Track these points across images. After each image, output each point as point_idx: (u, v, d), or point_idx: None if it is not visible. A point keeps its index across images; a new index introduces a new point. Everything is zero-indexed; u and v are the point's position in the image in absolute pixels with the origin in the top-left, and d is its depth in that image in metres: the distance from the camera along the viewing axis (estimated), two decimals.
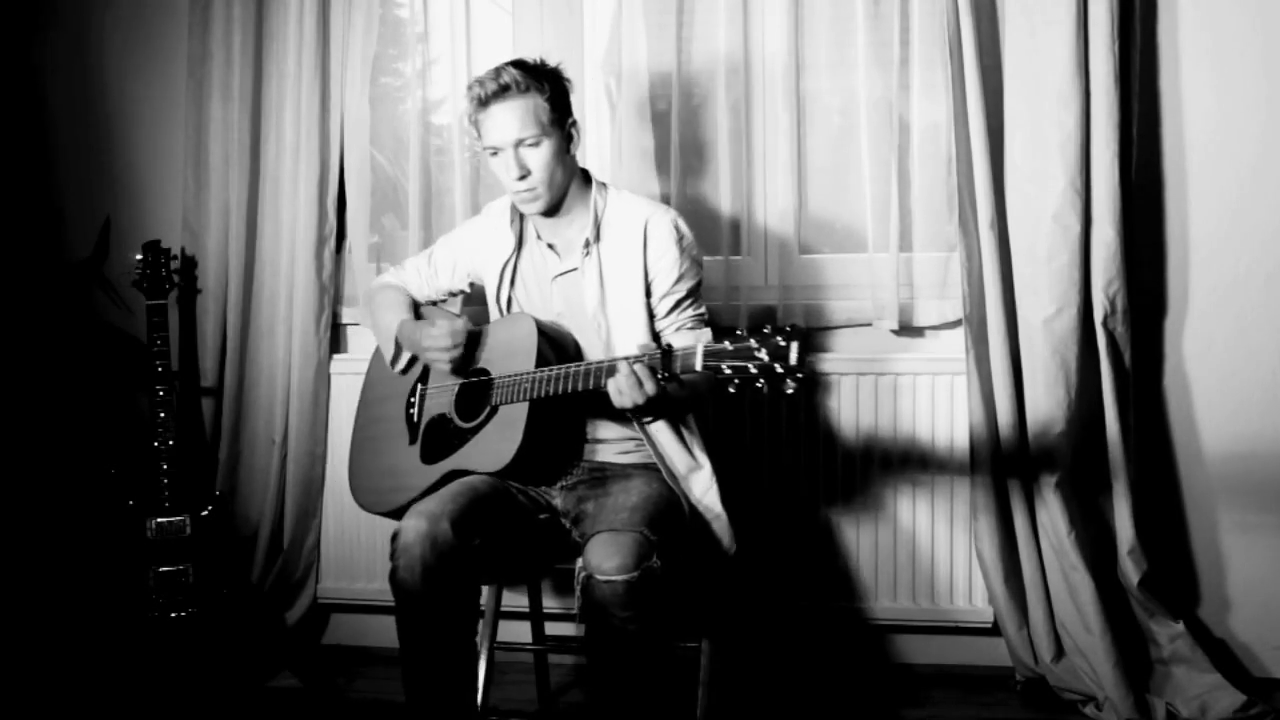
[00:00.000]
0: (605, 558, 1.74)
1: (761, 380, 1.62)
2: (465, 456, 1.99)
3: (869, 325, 2.48)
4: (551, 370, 1.88)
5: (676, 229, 2.01)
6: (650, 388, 1.76)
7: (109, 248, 2.74)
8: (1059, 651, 2.35)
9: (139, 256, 2.52)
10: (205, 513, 2.49)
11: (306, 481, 2.62)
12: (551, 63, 2.00)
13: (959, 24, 2.25)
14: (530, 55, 1.99)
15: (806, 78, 2.53)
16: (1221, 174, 2.35)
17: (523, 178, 1.95)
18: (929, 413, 2.42)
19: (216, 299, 2.63)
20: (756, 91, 2.49)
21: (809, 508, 2.49)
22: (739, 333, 1.66)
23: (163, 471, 2.47)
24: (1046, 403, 2.28)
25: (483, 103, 1.95)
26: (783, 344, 1.60)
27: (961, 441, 2.41)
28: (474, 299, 2.33)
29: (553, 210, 2.03)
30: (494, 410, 1.98)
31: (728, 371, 1.64)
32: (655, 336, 2.01)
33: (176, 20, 2.65)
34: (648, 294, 2.00)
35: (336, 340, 2.66)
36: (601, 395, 1.81)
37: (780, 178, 2.48)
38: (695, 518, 2.01)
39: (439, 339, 2.02)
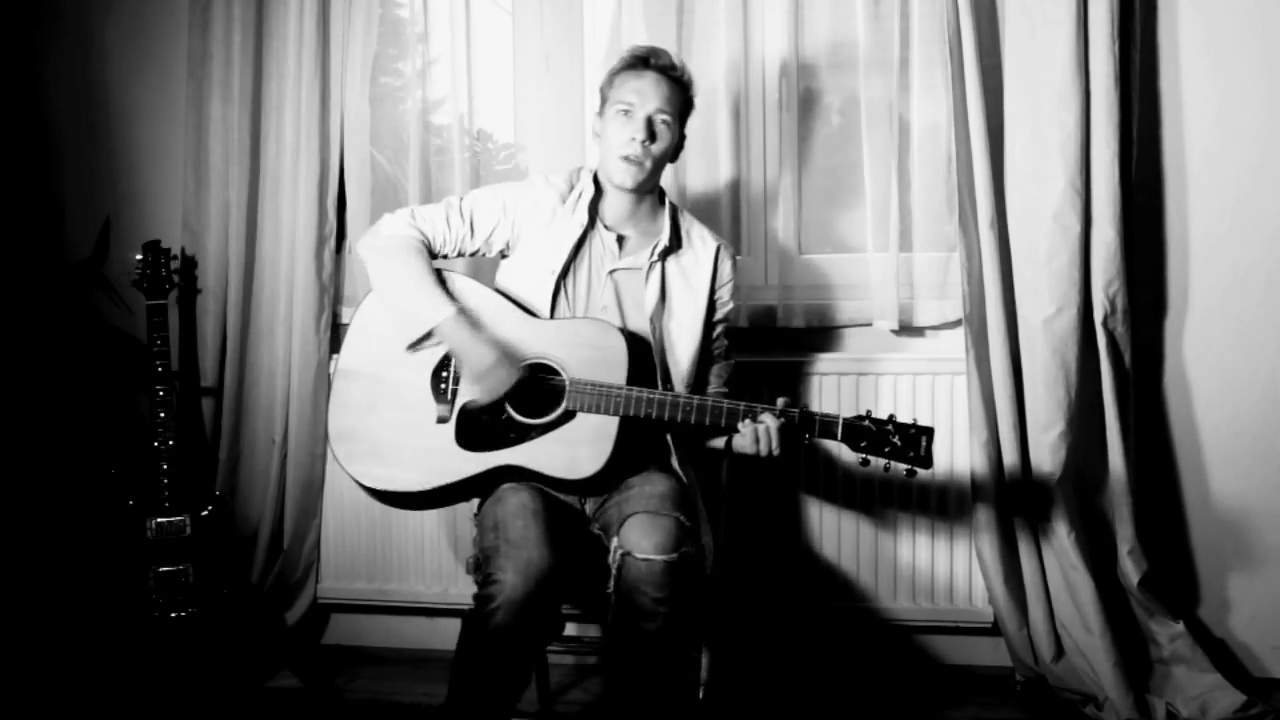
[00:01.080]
0: (644, 536, 1.77)
1: (888, 462, 1.88)
2: (527, 455, 1.92)
3: (869, 325, 2.48)
4: (659, 394, 1.90)
5: (736, 265, 2.15)
6: (787, 444, 1.87)
7: (109, 248, 2.74)
8: (1059, 651, 2.35)
9: (139, 256, 2.51)
10: (205, 513, 2.49)
11: (306, 481, 2.62)
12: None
13: (959, 24, 2.25)
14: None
15: (806, 77, 2.53)
16: (1222, 174, 2.35)
17: (645, 143, 1.97)
18: (929, 413, 2.42)
19: (216, 299, 2.63)
20: (756, 92, 2.49)
21: (808, 508, 2.49)
22: (870, 412, 1.89)
23: (163, 471, 2.47)
24: (1046, 403, 2.28)
25: (644, 64, 2.01)
26: (914, 434, 1.87)
27: (961, 442, 2.41)
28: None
29: (638, 191, 2.04)
30: (569, 415, 1.93)
31: (862, 445, 1.88)
32: (702, 356, 2.08)
33: (176, 20, 2.65)
34: (708, 313, 2.09)
35: (336, 340, 2.66)
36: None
37: (780, 178, 2.48)
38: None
39: (493, 388, 1.92)
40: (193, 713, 2.38)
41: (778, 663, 2.55)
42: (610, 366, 1.93)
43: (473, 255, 2.12)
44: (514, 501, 1.88)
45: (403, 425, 1.99)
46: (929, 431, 1.88)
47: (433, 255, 2.07)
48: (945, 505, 2.44)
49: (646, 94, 1.98)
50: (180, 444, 2.50)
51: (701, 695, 2.08)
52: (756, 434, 1.86)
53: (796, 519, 2.49)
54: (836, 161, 2.57)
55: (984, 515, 2.35)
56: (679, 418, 1.89)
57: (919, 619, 2.47)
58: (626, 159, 1.98)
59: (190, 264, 2.65)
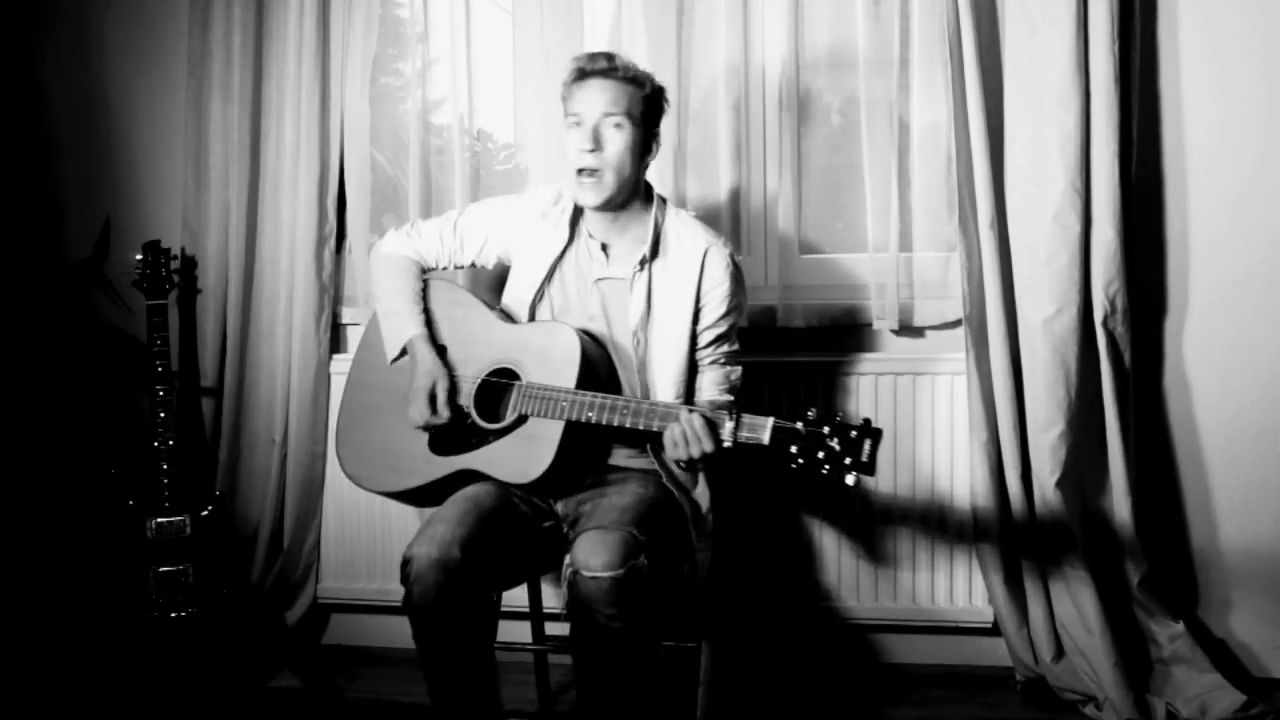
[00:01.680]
0: (592, 554, 1.75)
1: (827, 467, 1.70)
2: (483, 460, 1.96)
3: (869, 325, 2.48)
4: (599, 398, 1.86)
5: (734, 265, 2.02)
6: (709, 446, 1.78)
7: (109, 248, 2.74)
8: (1059, 651, 2.35)
9: (139, 256, 2.52)
10: (205, 513, 2.49)
11: (306, 481, 2.62)
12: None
13: (959, 24, 2.25)
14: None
15: (806, 78, 2.53)
16: (1222, 174, 2.35)
17: (592, 151, 1.91)
18: (929, 413, 2.42)
19: (216, 299, 2.63)
20: (756, 91, 2.49)
21: (808, 508, 2.49)
22: (810, 415, 1.72)
23: (163, 471, 2.47)
24: (1046, 403, 2.27)
25: (584, 75, 1.95)
26: (855, 437, 1.69)
27: (961, 442, 2.40)
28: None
29: (609, 207, 1.99)
30: (522, 419, 1.94)
31: (792, 450, 1.71)
32: (692, 365, 2.01)
33: (176, 20, 2.65)
34: (694, 321, 2.00)
35: (336, 340, 2.66)
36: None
37: (780, 177, 2.48)
38: (698, 525, 2.02)
39: (422, 412, 1.96)
40: (193, 713, 2.38)
41: (776, 663, 2.55)
42: (562, 369, 1.92)
43: (472, 267, 2.18)
44: (458, 493, 1.94)
45: (392, 431, 2.06)
46: (875, 434, 1.70)
47: (429, 269, 2.15)
48: (945, 506, 2.44)
49: (589, 100, 1.93)
50: (180, 444, 2.50)
51: (700, 694, 2.08)
52: (674, 438, 1.80)
53: (795, 519, 2.49)
54: (836, 161, 2.57)
55: (984, 515, 2.35)
56: (615, 421, 1.85)
57: (919, 619, 2.47)
58: (580, 171, 1.94)
59: (190, 264, 2.65)
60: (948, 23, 2.27)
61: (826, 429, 1.72)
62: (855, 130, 2.47)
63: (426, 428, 1.99)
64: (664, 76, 2.44)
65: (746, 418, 1.77)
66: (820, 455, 1.71)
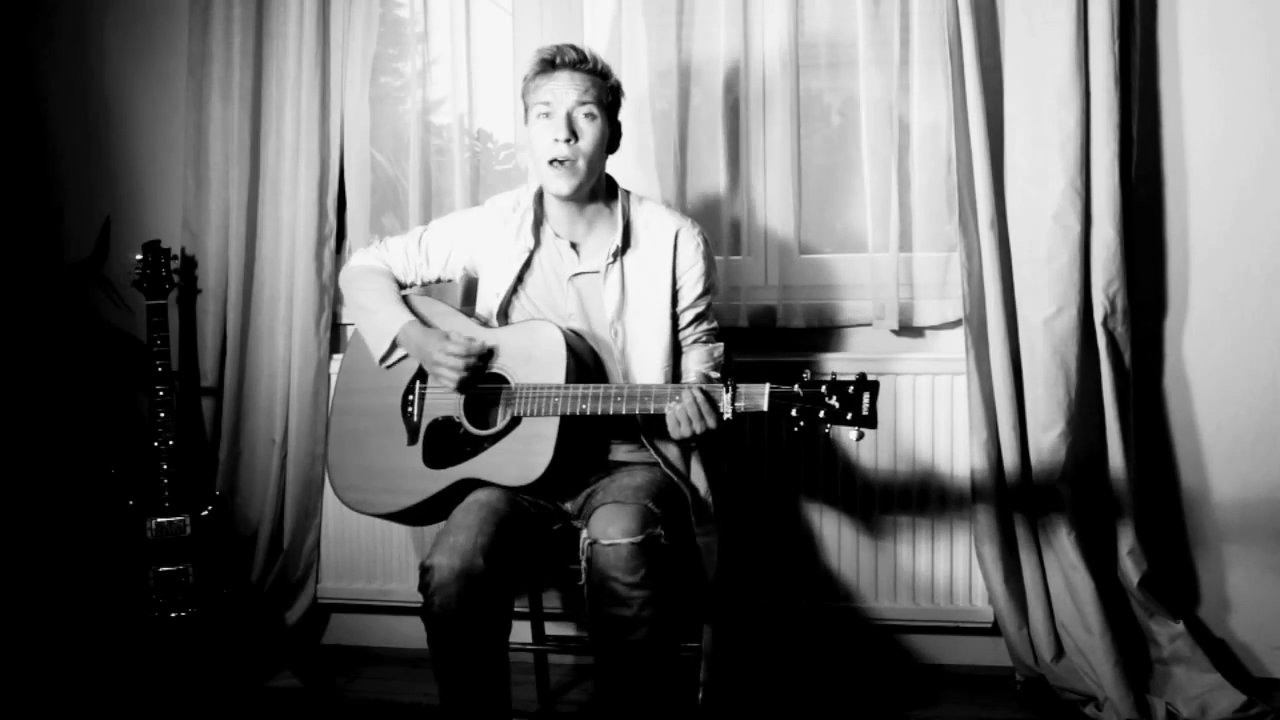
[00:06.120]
0: (609, 523, 1.76)
1: (829, 425, 1.70)
2: (482, 466, 1.95)
3: (869, 325, 2.48)
4: (591, 389, 1.86)
5: (705, 244, 2.05)
6: (711, 421, 1.79)
7: (109, 248, 2.74)
8: (1059, 651, 2.35)
9: (139, 256, 2.52)
10: (205, 513, 2.50)
11: (306, 481, 2.62)
12: None
13: (959, 24, 2.25)
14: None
15: (806, 78, 2.53)
16: (1223, 174, 2.34)
17: (569, 141, 1.92)
18: (929, 413, 2.42)
19: (216, 299, 2.63)
20: (756, 91, 2.49)
21: (809, 507, 2.49)
22: (805, 377, 1.73)
23: (163, 471, 2.47)
24: (1046, 403, 2.27)
25: (554, 66, 1.96)
26: (853, 392, 1.70)
27: (961, 442, 2.41)
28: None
29: (576, 197, 1.99)
30: (516, 421, 1.94)
31: (793, 413, 1.72)
32: (675, 348, 2.03)
33: (176, 20, 2.65)
34: (673, 303, 2.01)
35: (336, 340, 2.66)
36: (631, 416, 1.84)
37: (780, 178, 2.48)
38: (699, 511, 2.02)
39: (453, 357, 1.94)
40: (193, 713, 2.38)
41: (776, 662, 2.55)
42: (550, 366, 1.92)
43: (437, 282, 2.20)
44: (470, 499, 1.92)
45: (384, 452, 2.06)
46: (872, 386, 1.71)
47: (400, 285, 2.16)
48: (945, 505, 2.44)
49: (562, 91, 1.94)
50: (180, 444, 2.50)
51: (700, 695, 2.08)
52: (677, 417, 1.80)
53: (795, 519, 2.49)
54: (836, 161, 2.57)
55: (984, 515, 2.35)
56: (610, 409, 1.85)
57: (919, 619, 2.47)
58: (554, 162, 1.94)
59: (190, 264, 2.65)
60: (948, 23, 2.27)
61: (823, 387, 1.72)
62: (855, 130, 2.47)
63: (462, 384, 1.95)
64: (664, 76, 2.45)
65: (743, 387, 1.77)
66: (821, 414, 1.71)
